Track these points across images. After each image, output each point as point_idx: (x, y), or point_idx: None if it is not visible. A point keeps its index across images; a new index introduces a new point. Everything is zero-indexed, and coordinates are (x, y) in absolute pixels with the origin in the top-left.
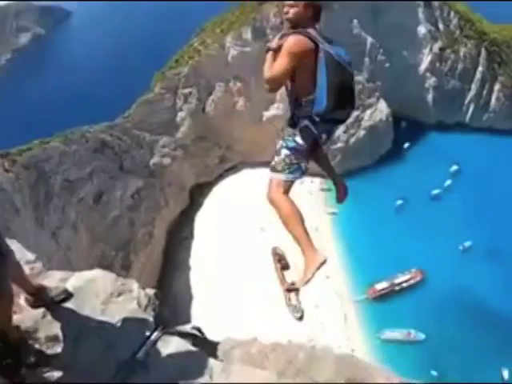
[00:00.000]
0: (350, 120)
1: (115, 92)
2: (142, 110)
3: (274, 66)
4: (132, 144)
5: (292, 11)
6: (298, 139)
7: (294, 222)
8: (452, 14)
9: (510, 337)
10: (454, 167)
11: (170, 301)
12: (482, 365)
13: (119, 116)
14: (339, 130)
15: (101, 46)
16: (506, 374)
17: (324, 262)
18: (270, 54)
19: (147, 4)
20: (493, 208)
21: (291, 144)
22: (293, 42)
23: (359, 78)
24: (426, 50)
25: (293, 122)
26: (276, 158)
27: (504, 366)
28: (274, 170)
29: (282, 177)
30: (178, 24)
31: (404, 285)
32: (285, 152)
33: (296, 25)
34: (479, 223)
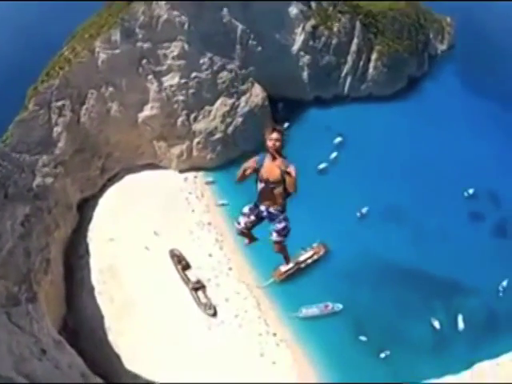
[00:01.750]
0: (226, 109)
1: None
2: (18, 131)
3: (294, 182)
4: (13, 168)
5: (278, 144)
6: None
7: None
8: None
9: (429, 288)
10: (338, 139)
11: (85, 322)
12: (410, 320)
13: None
14: (216, 121)
15: None
16: (436, 323)
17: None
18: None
19: (14, 16)
20: (381, 172)
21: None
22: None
23: (231, 67)
24: (299, 30)
25: (283, 209)
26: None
27: (433, 316)
28: (282, 236)
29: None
30: (49, 34)
31: (309, 261)
32: (289, 227)
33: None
34: (371, 188)
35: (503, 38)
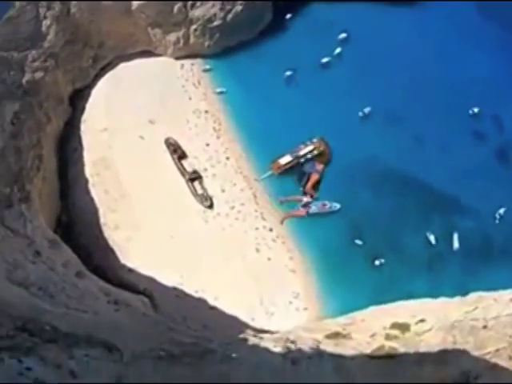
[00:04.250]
0: None
1: None
2: (5, 30)
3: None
4: (0, 68)
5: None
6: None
7: None
8: None
9: (427, 200)
10: (343, 35)
11: (80, 217)
12: (406, 231)
13: None
14: (215, 8)
15: None
16: (432, 238)
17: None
18: None
19: None
20: (386, 75)
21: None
22: None
23: None
24: None
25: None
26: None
27: (428, 230)
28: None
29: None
30: None
31: (309, 156)
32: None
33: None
34: (375, 90)
35: None
